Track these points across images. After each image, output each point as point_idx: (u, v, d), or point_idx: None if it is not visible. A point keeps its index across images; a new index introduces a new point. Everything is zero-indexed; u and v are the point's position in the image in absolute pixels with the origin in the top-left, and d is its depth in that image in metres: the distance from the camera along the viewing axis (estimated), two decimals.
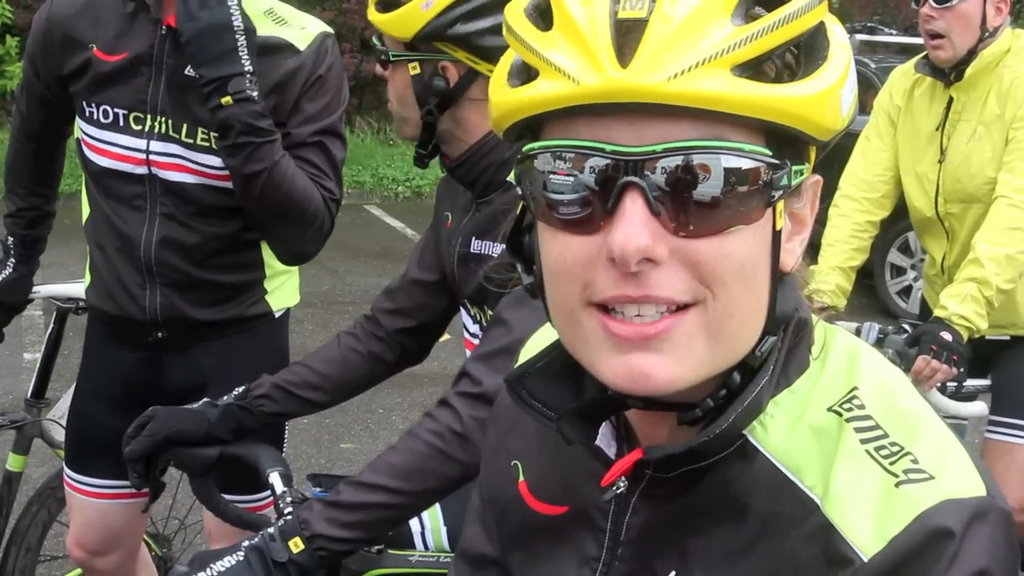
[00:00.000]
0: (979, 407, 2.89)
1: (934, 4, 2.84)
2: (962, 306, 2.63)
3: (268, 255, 2.30)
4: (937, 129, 2.97)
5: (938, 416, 0.82)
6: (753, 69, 0.74)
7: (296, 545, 1.50)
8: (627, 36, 0.73)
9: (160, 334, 2.26)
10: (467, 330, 1.93)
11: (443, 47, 1.70)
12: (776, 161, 0.75)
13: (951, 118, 2.95)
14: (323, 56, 2.16)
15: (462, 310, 1.96)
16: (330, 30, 2.24)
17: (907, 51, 8.24)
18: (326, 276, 7.52)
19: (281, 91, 2.11)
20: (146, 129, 2.13)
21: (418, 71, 1.74)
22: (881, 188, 3.09)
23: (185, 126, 2.12)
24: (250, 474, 1.84)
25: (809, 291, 0.89)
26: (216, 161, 2.12)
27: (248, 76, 1.99)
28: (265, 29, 2.11)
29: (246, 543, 1.51)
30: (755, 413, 0.81)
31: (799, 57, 0.77)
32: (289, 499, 1.69)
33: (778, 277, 0.79)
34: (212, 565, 1.47)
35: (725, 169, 0.73)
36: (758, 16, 0.75)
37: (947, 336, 2.60)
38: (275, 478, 1.76)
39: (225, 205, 2.16)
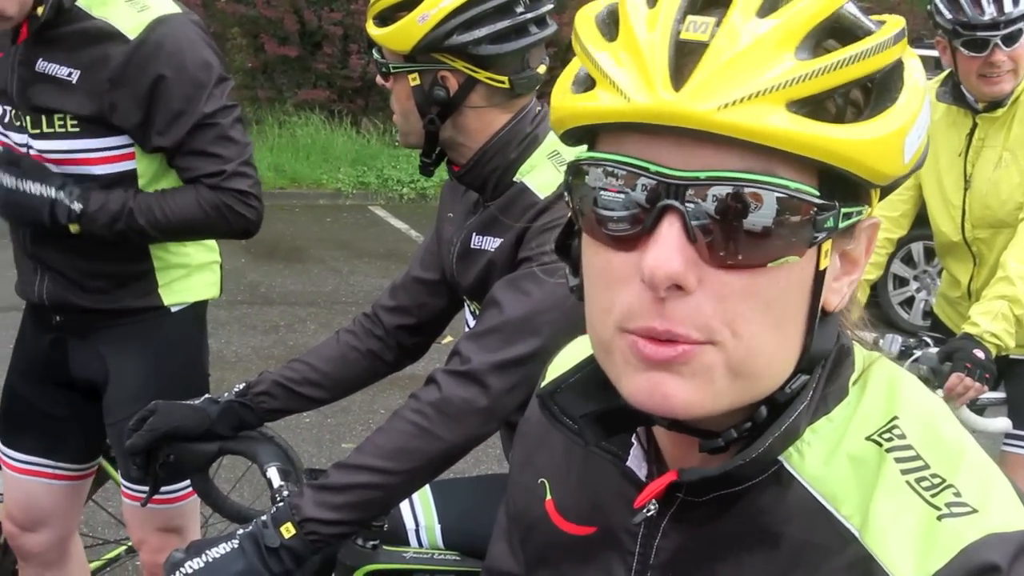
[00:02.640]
0: (1005, 423, 2.91)
1: (1005, 47, 2.76)
2: (993, 324, 2.65)
3: (158, 247, 2.31)
4: (959, 155, 2.95)
5: (979, 446, 0.80)
6: (813, 105, 0.71)
7: (288, 530, 1.53)
8: (687, 58, 0.71)
9: (58, 317, 2.34)
10: (468, 326, 1.95)
11: (441, 57, 1.72)
12: (824, 202, 0.72)
13: (974, 144, 2.92)
14: (158, 52, 2.11)
15: (465, 308, 1.98)
16: (171, 11, 2.16)
17: None
18: (330, 276, 7.54)
19: (118, 85, 2.11)
20: (22, 124, 2.18)
21: (418, 82, 1.75)
22: (900, 207, 3.08)
23: (41, 118, 2.16)
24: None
25: (858, 318, 0.87)
26: (74, 144, 2.16)
27: (61, 196, 2.11)
28: (101, 11, 2.13)
29: (240, 531, 1.53)
30: (792, 439, 0.80)
31: (870, 95, 0.74)
32: (286, 493, 1.70)
33: (818, 316, 0.77)
34: (207, 552, 1.50)
35: (777, 199, 0.71)
36: (829, 49, 0.72)
37: (980, 354, 2.62)
38: (272, 473, 1.77)
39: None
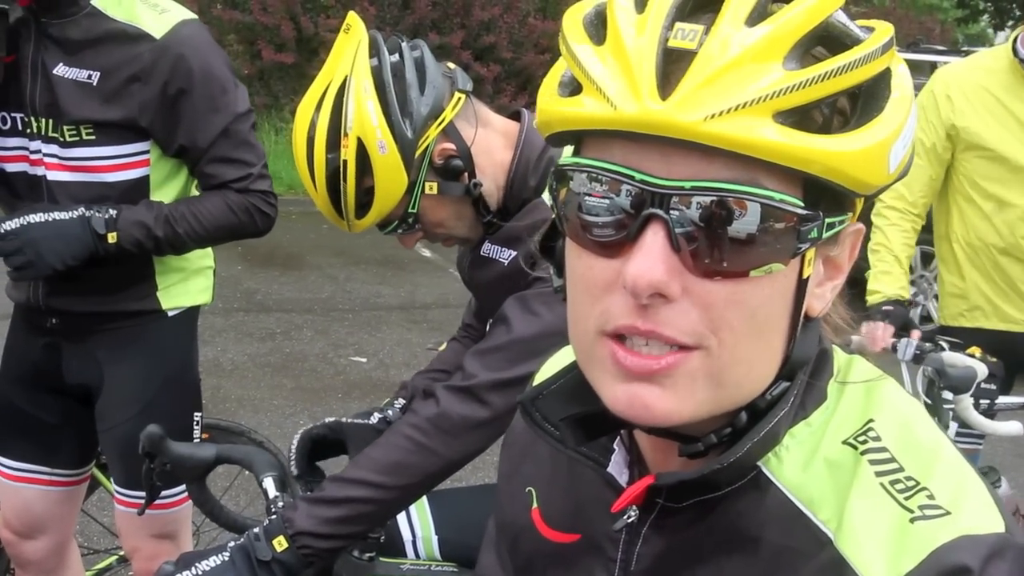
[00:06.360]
0: (1015, 426, 2.89)
1: None
2: None
3: None
4: None
5: (956, 448, 0.80)
6: (800, 115, 0.70)
7: (280, 544, 1.52)
8: (674, 66, 0.71)
9: (54, 320, 2.33)
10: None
11: (421, 145, 1.68)
12: (808, 212, 0.72)
13: None
14: (186, 52, 2.13)
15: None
16: (191, 15, 2.21)
17: (909, 67, 8.24)
18: (326, 283, 7.52)
19: (146, 83, 2.12)
20: (34, 131, 2.17)
21: (436, 181, 1.71)
22: (921, 204, 3.10)
23: (60, 125, 2.15)
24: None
25: (836, 322, 0.87)
26: (88, 152, 2.16)
27: (91, 212, 2.12)
28: (118, 11, 2.13)
29: (232, 543, 1.52)
30: (771, 444, 0.80)
31: (857, 104, 0.74)
32: (281, 504, 1.69)
33: (800, 322, 0.78)
34: (197, 564, 1.48)
35: (762, 207, 0.71)
36: (819, 57, 0.72)
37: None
38: (268, 483, 1.76)
39: (103, 195, 2.19)
